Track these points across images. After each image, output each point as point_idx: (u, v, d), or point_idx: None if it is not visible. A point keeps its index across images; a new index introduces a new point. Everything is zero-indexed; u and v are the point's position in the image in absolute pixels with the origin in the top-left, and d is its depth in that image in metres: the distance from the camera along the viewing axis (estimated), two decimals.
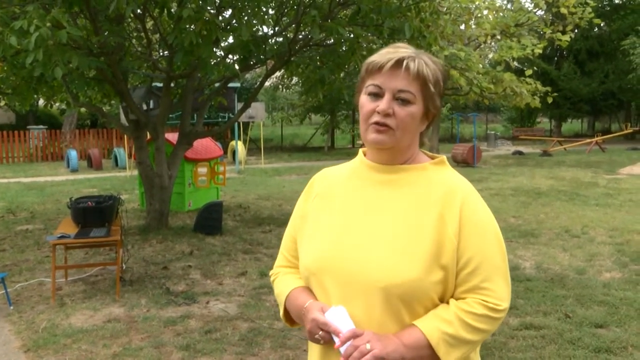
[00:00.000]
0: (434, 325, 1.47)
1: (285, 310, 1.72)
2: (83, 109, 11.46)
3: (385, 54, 1.54)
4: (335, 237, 1.59)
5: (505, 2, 25.95)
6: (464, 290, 1.51)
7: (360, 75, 1.61)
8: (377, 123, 1.52)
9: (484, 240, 1.52)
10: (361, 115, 1.57)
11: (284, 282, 1.74)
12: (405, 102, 1.52)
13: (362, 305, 1.51)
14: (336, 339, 1.48)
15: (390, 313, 1.50)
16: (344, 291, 1.54)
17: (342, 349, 1.47)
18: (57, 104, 10.95)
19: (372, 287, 1.49)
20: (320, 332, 1.52)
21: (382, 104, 1.51)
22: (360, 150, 1.71)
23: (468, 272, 1.50)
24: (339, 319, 1.50)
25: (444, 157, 1.66)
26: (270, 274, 1.86)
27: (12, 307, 5.38)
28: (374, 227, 1.55)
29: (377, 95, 1.54)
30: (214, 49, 7.47)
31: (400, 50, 1.55)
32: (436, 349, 1.46)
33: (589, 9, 17.43)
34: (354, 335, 1.46)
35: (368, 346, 1.44)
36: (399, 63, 1.51)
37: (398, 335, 1.48)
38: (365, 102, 1.56)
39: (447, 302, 1.53)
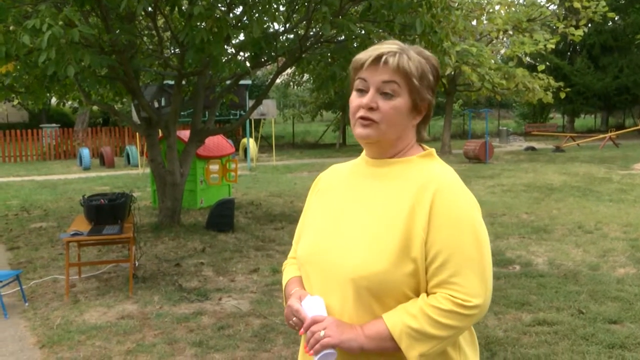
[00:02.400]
0: (399, 318, 1.47)
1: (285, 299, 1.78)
2: (95, 108, 11.53)
3: (369, 51, 1.57)
4: (323, 230, 1.64)
5: None
6: (434, 284, 1.49)
7: (350, 73, 1.65)
8: (362, 117, 1.56)
9: (455, 233, 1.48)
10: (350, 111, 1.61)
11: (286, 272, 1.82)
12: (388, 95, 1.54)
13: (338, 296, 1.54)
14: None
15: (362, 306, 1.51)
16: (323, 282, 1.58)
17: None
18: (70, 103, 11.02)
19: (344, 279, 1.52)
20: (294, 319, 1.57)
21: (365, 99, 1.54)
22: None
23: (437, 266, 1.48)
24: (313, 308, 1.53)
25: (432, 150, 1.66)
26: (283, 265, 1.91)
27: (27, 304, 5.43)
28: (354, 220, 1.58)
29: (362, 90, 1.57)
30: (225, 47, 7.48)
31: (383, 46, 1.56)
32: (398, 342, 1.46)
33: (602, 3, 17.26)
34: (314, 322, 1.49)
35: (322, 333, 1.46)
36: (378, 58, 1.53)
37: (362, 326, 1.50)
38: (352, 98, 1.59)
39: None
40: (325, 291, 1.57)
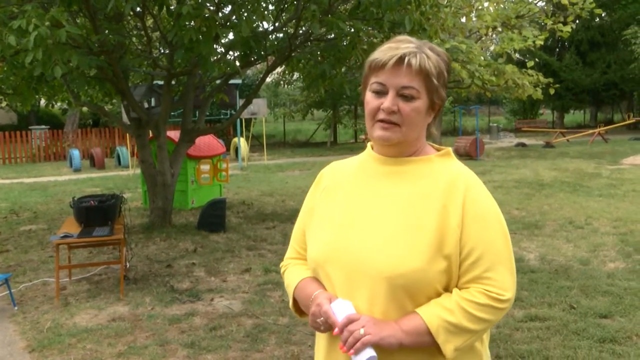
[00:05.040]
0: (435, 313, 1.48)
1: (295, 301, 1.74)
2: (85, 109, 11.47)
3: (387, 51, 1.55)
4: (341, 228, 1.61)
5: None
6: (467, 280, 1.52)
7: (364, 72, 1.63)
8: (382, 120, 1.55)
9: (487, 230, 1.52)
10: (366, 112, 1.59)
11: (293, 273, 1.76)
12: (409, 98, 1.53)
13: (366, 296, 1.52)
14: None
15: (394, 303, 1.51)
16: (348, 282, 1.56)
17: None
18: (59, 104, 10.96)
19: (376, 277, 1.50)
20: (322, 318, 1.55)
21: (387, 102, 1.53)
22: (369, 144, 1.73)
23: (471, 262, 1.51)
24: (342, 311, 1.51)
25: (449, 149, 1.67)
26: (280, 266, 1.88)
27: (16, 308, 5.38)
28: (379, 219, 1.56)
29: (381, 92, 1.55)
30: (214, 46, 7.45)
31: (402, 45, 1.55)
32: (435, 336, 1.47)
33: None
34: (350, 321, 1.48)
35: (362, 331, 1.45)
36: (400, 60, 1.52)
37: (398, 322, 1.50)
38: (370, 100, 1.57)
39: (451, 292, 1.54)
40: (352, 290, 1.55)
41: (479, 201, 1.54)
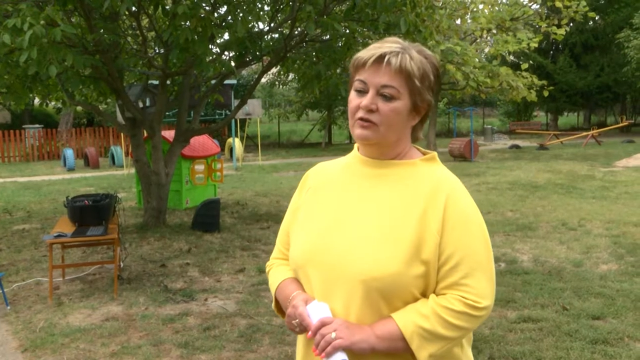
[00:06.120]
0: (410, 318, 1.47)
1: (277, 301, 1.74)
2: (79, 108, 11.43)
3: (371, 49, 1.54)
4: (322, 230, 1.60)
5: None
6: (445, 286, 1.50)
7: (350, 71, 1.62)
8: (361, 119, 1.54)
9: (467, 236, 1.50)
10: (348, 111, 1.59)
11: (276, 273, 1.76)
12: (389, 97, 1.52)
13: (342, 298, 1.52)
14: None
15: (370, 307, 1.50)
16: (326, 284, 1.55)
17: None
18: (53, 103, 10.92)
19: (352, 280, 1.49)
20: (297, 320, 1.55)
21: (365, 100, 1.52)
22: (355, 145, 1.71)
23: (449, 268, 1.49)
24: (318, 312, 1.51)
25: (434, 153, 1.65)
26: (266, 265, 1.87)
27: (9, 307, 5.37)
28: (359, 221, 1.55)
29: (362, 91, 1.55)
30: (210, 46, 7.45)
31: (385, 45, 1.54)
32: (409, 342, 1.46)
33: (583, 3, 17.45)
34: (322, 324, 1.47)
35: (333, 335, 1.45)
36: (381, 58, 1.51)
37: (372, 326, 1.49)
38: (352, 98, 1.57)
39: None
40: (329, 292, 1.54)
41: (460, 207, 1.52)
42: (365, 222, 1.54)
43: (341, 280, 1.51)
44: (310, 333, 1.50)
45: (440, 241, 1.49)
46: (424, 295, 1.51)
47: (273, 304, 1.77)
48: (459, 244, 1.49)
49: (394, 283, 1.47)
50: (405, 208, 1.52)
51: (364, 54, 1.54)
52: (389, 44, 1.54)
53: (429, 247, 1.48)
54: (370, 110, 1.52)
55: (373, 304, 1.49)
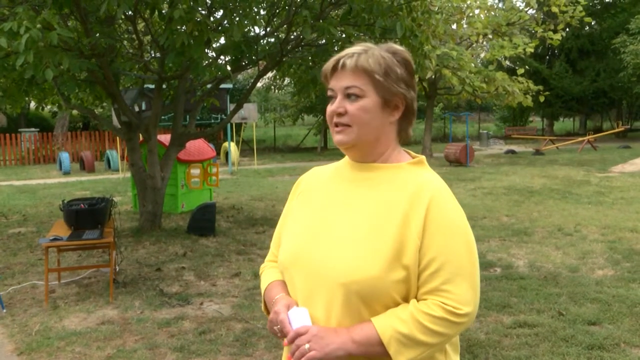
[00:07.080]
0: (389, 323, 1.46)
1: (266, 303, 1.75)
2: (75, 112, 11.42)
3: (333, 58, 1.58)
4: (307, 234, 1.61)
5: (496, 1, 26.04)
6: (425, 291, 1.49)
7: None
8: (335, 124, 1.57)
9: (449, 241, 1.48)
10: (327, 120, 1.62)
11: (266, 276, 1.77)
12: (354, 97, 1.54)
13: (323, 301, 1.52)
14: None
15: (350, 311, 1.49)
16: (308, 287, 1.56)
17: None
18: (49, 107, 10.92)
19: (332, 283, 1.49)
20: (278, 326, 1.56)
21: (333, 105, 1.57)
22: None
23: (429, 273, 1.47)
24: (298, 319, 1.51)
25: (423, 157, 1.65)
26: (260, 268, 1.88)
27: (4, 311, 5.34)
28: (343, 225, 1.55)
29: (332, 98, 1.58)
30: (206, 50, 7.46)
31: (348, 51, 1.57)
32: (387, 347, 1.45)
33: (579, 8, 17.53)
34: (297, 335, 1.48)
35: (307, 346, 1.45)
36: (336, 63, 1.56)
37: (350, 330, 1.48)
38: (327, 107, 1.60)
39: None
40: (311, 295, 1.54)
41: (443, 211, 1.50)
42: (348, 225, 1.54)
43: (322, 283, 1.52)
44: (285, 341, 1.51)
45: (421, 245, 1.47)
46: (406, 300, 1.50)
47: (262, 306, 1.78)
48: (440, 249, 1.47)
49: (374, 287, 1.46)
50: (388, 211, 1.52)
51: (326, 64, 1.59)
52: (352, 49, 1.57)
53: (410, 252, 1.47)
54: (339, 114, 1.55)
55: (353, 308, 1.49)
